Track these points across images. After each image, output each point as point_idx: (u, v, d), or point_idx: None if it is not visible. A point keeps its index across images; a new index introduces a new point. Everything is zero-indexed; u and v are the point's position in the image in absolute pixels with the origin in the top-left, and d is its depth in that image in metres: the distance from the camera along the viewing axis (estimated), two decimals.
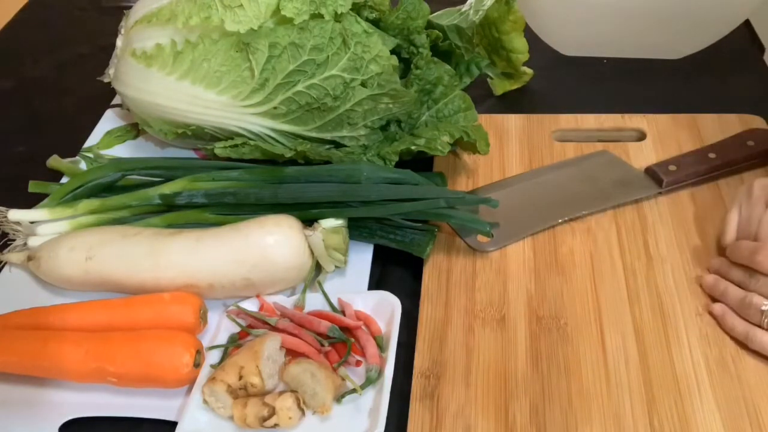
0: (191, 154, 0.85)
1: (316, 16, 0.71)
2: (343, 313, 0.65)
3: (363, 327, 0.63)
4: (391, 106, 0.74)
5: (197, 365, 0.61)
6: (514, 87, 0.91)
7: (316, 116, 0.74)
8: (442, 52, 0.82)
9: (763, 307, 0.59)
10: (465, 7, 0.87)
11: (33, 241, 0.72)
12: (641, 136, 0.82)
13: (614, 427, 0.56)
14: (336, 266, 0.68)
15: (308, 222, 0.68)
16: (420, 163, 0.77)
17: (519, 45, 0.86)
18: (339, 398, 0.59)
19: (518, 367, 0.60)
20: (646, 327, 0.62)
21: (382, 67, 0.72)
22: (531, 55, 0.87)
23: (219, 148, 0.76)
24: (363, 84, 0.73)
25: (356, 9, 0.73)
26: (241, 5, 0.72)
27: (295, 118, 0.75)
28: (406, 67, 0.79)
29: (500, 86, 0.91)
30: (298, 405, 0.57)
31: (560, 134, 0.83)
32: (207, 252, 0.66)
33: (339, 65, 0.72)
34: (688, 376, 0.59)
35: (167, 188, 0.73)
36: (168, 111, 0.77)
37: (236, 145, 0.76)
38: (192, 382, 0.61)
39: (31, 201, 0.77)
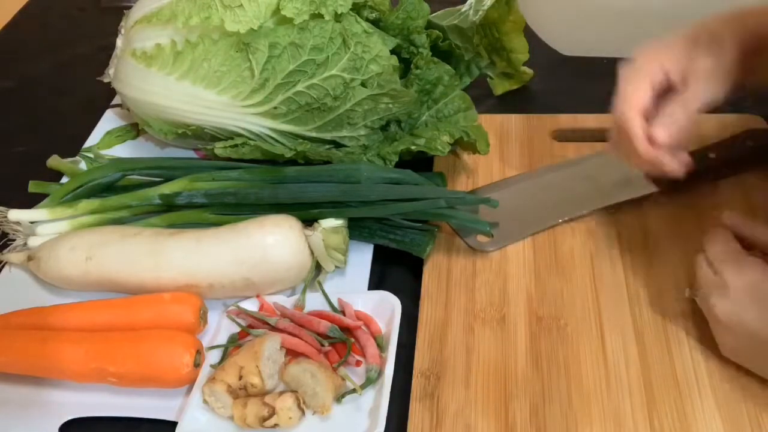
0: (191, 154, 0.85)
1: (316, 16, 0.71)
2: (343, 313, 0.65)
3: (363, 327, 0.63)
4: (391, 106, 0.74)
5: (197, 365, 0.61)
6: (514, 87, 0.91)
7: (316, 116, 0.74)
8: (442, 52, 0.82)
9: None
10: (465, 8, 0.87)
11: (33, 241, 0.72)
12: None
13: (614, 427, 0.56)
14: (336, 266, 0.68)
15: (308, 222, 0.68)
16: (420, 163, 0.77)
17: (519, 45, 0.86)
18: (339, 398, 0.59)
19: (518, 367, 0.60)
20: (646, 327, 0.62)
21: (382, 67, 0.72)
22: (531, 55, 0.87)
23: (219, 148, 0.76)
24: (363, 84, 0.73)
25: (356, 9, 0.73)
26: (241, 5, 0.72)
27: (295, 118, 0.75)
28: (406, 67, 0.78)
29: (500, 86, 0.91)
30: (298, 405, 0.57)
31: (560, 134, 0.83)
32: (207, 252, 0.66)
33: (339, 65, 0.72)
34: (688, 376, 0.59)
35: (167, 188, 0.73)
36: (168, 111, 0.77)
37: (236, 145, 0.76)
38: (192, 382, 0.61)
39: (31, 201, 0.77)
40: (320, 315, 0.64)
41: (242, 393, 0.59)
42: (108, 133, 0.89)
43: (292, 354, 0.62)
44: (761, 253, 0.60)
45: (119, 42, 0.81)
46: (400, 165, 0.74)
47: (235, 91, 0.74)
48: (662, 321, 0.63)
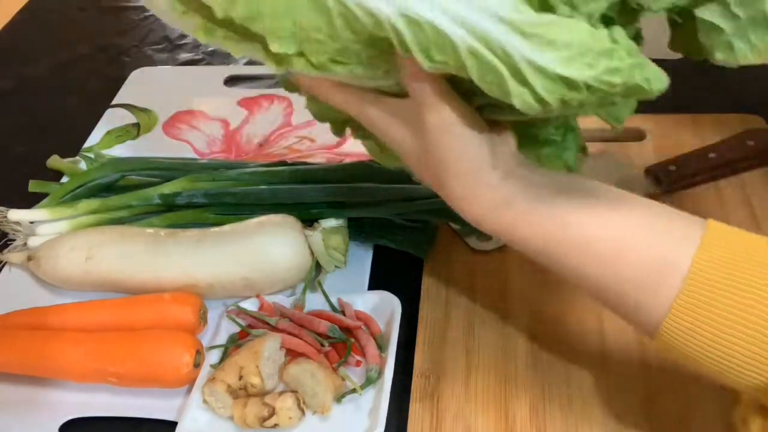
0: (191, 154, 0.85)
1: None
2: (343, 313, 0.65)
3: (363, 327, 0.63)
4: None
5: (197, 365, 0.61)
6: None
7: None
8: None
9: None
10: None
11: (33, 241, 0.72)
12: (641, 136, 0.82)
13: (614, 427, 0.56)
14: (336, 266, 0.68)
15: (308, 222, 0.68)
16: None
17: None
18: (339, 398, 0.59)
19: (518, 367, 0.60)
20: None
21: None
22: None
23: None
24: None
25: None
26: None
27: None
28: None
29: None
30: (298, 405, 0.57)
31: None
32: (207, 252, 0.66)
33: None
34: (688, 376, 0.59)
35: (167, 188, 0.73)
36: None
37: None
38: (192, 382, 0.61)
39: (31, 201, 0.77)
40: (320, 315, 0.64)
41: (242, 393, 0.59)
42: (108, 133, 0.89)
43: (292, 354, 0.62)
44: None
45: None
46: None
47: None
48: None
